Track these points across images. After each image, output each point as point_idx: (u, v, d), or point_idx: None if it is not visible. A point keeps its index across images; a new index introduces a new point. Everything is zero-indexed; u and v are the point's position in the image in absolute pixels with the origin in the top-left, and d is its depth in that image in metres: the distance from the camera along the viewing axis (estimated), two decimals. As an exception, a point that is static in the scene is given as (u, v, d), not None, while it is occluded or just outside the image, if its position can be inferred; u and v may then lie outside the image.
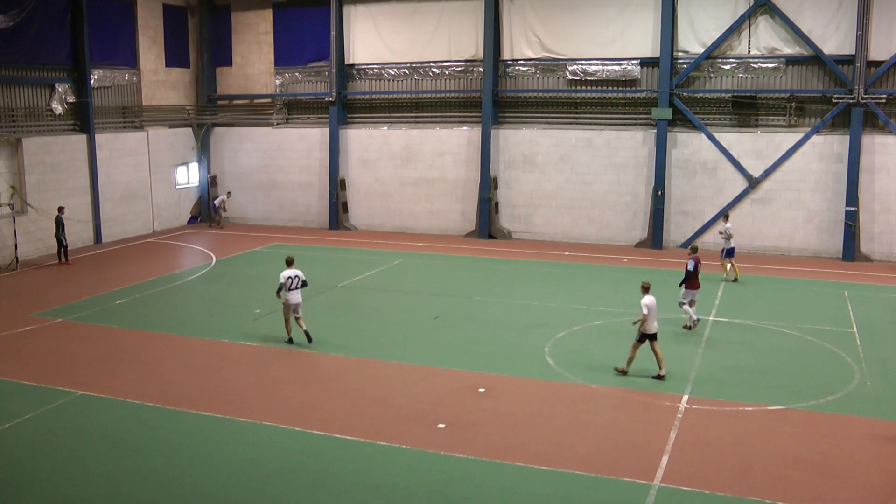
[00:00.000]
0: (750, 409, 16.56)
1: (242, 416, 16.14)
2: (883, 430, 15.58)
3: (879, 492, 13.13)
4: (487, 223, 36.54)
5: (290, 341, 20.76)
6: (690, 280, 21.92)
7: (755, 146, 32.98)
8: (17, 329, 22.39)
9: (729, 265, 28.03)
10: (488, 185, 36.23)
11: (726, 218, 30.27)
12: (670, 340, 21.05)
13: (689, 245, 24.24)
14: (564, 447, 14.75)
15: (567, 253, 32.99)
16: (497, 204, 36.75)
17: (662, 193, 33.73)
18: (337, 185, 39.05)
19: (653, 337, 18.06)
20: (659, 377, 18.07)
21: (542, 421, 15.99)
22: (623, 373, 18.36)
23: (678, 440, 14.99)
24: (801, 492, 13.05)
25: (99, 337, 21.77)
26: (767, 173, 32.72)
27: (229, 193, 40.76)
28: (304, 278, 20.63)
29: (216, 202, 40.22)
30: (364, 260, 31.52)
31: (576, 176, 35.50)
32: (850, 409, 16.50)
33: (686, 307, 22.16)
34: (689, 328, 22.09)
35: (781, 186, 32.68)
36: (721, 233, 28.41)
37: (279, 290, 20.40)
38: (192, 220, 41.40)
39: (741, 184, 33.11)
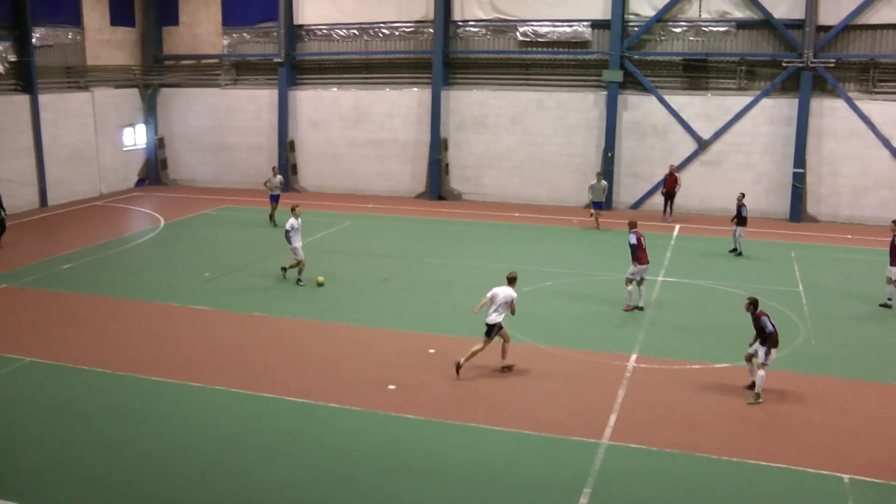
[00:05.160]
0: (697, 367, 16.70)
1: (194, 381, 15.87)
2: (825, 385, 15.84)
3: (819, 448, 13.30)
4: (438, 185, 36.32)
5: None
6: (637, 255, 20.11)
7: (705, 109, 33.07)
8: (-42, 295, 21.85)
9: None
10: (438, 146, 35.95)
11: (599, 176, 30.75)
12: (617, 304, 21.13)
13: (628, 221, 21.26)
14: (512, 407, 14.76)
15: (517, 214, 32.90)
16: (447, 165, 36.51)
17: (612, 155, 33.75)
18: (286, 147, 38.52)
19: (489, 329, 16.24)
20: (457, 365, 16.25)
21: (490, 381, 15.98)
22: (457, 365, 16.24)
23: (626, 399, 15.07)
24: (746, 448, 13.19)
25: (46, 302, 21.27)
26: (717, 136, 32.87)
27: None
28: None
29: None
30: (314, 222, 31.05)
31: (526, 137, 35.35)
32: (796, 367, 16.69)
33: (631, 287, 20.59)
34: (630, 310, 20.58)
35: (731, 149, 32.86)
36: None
37: None
38: (140, 182, 40.56)
39: (691, 146, 33.24)
